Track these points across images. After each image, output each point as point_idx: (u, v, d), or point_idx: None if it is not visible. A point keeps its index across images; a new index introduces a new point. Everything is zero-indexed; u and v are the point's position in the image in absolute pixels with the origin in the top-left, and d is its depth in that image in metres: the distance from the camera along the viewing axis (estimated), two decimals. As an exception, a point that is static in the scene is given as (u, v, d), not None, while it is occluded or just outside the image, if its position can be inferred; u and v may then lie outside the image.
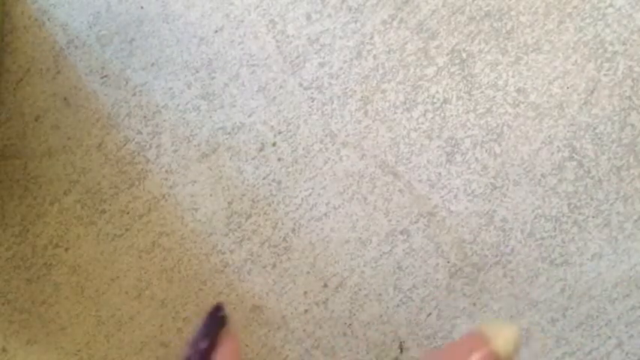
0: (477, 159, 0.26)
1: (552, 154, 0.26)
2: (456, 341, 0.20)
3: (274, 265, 0.27)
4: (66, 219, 0.28)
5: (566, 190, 0.26)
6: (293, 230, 0.27)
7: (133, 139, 0.27)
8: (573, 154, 0.26)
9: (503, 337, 0.19)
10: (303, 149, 0.27)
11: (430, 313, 0.27)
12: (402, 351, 0.27)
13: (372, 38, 0.26)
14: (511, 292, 0.27)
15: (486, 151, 0.26)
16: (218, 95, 0.27)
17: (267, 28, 0.27)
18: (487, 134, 0.26)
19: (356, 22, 0.26)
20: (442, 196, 0.27)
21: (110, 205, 0.28)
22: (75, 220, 0.28)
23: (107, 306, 0.28)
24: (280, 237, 0.27)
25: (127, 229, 0.28)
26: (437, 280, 0.25)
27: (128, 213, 0.28)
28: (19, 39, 0.27)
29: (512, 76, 0.26)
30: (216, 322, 0.19)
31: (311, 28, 0.27)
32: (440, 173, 0.26)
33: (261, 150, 0.27)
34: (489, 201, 0.27)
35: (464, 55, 0.26)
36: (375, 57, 0.26)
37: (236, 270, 0.27)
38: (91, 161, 0.27)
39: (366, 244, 0.27)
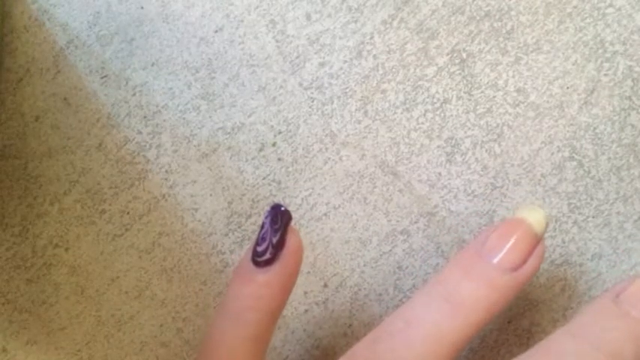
0: (476, 159, 0.26)
1: (552, 154, 0.26)
2: (491, 227, 0.22)
3: (274, 265, 0.27)
4: (66, 219, 0.28)
5: (566, 190, 0.26)
6: (293, 230, 0.27)
7: (133, 139, 0.27)
8: (573, 154, 0.26)
9: (534, 215, 0.21)
10: (303, 149, 0.27)
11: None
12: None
13: (372, 38, 0.26)
14: (511, 292, 0.26)
15: (486, 151, 0.26)
16: (218, 95, 0.27)
17: (267, 28, 0.27)
18: (487, 134, 0.26)
19: (356, 22, 0.26)
20: (442, 196, 0.26)
21: (110, 205, 0.28)
22: (75, 220, 0.28)
23: (107, 306, 0.28)
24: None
25: (127, 229, 0.28)
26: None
27: (128, 213, 0.28)
28: (19, 39, 0.27)
29: (512, 76, 0.26)
30: (283, 215, 0.21)
31: (311, 28, 0.27)
32: (440, 173, 0.26)
33: (261, 150, 0.27)
34: (489, 201, 0.27)
35: (464, 55, 0.26)
36: (375, 57, 0.26)
37: (236, 270, 0.27)
38: (91, 161, 0.27)
39: (366, 244, 0.27)
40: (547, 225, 0.21)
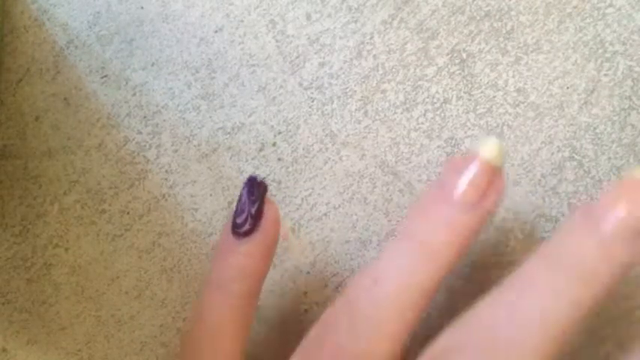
0: (477, 159, 0.26)
1: (552, 154, 0.26)
2: (445, 166, 0.21)
3: (274, 265, 0.27)
4: (66, 219, 0.28)
5: (566, 190, 0.26)
6: (293, 230, 0.27)
7: (133, 139, 0.27)
8: (573, 154, 0.26)
9: (488, 147, 0.20)
10: (303, 149, 0.27)
11: (430, 314, 0.27)
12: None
13: (372, 38, 0.26)
14: (511, 292, 0.26)
15: (486, 151, 0.26)
16: (218, 95, 0.27)
17: (267, 28, 0.27)
18: (487, 134, 0.26)
19: (356, 22, 0.26)
20: (442, 196, 0.26)
21: (110, 205, 0.28)
22: (75, 220, 0.28)
23: (107, 306, 0.28)
24: (280, 237, 0.27)
25: (126, 229, 0.28)
26: (437, 280, 0.25)
27: (128, 213, 0.28)
28: (19, 39, 0.27)
29: (512, 76, 0.26)
30: (259, 187, 0.22)
31: (311, 28, 0.27)
32: (440, 173, 0.26)
33: (261, 150, 0.27)
34: (489, 201, 0.27)
35: (464, 55, 0.26)
36: (375, 57, 0.26)
37: (236, 270, 0.27)
38: (91, 161, 0.27)
39: (366, 244, 0.27)
40: (503, 155, 0.20)
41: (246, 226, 0.22)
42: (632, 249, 0.19)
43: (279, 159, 0.27)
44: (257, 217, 0.22)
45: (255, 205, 0.22)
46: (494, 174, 0.20)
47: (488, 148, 0.20)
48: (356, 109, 0.27)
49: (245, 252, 0.22)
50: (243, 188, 0.22)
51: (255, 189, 0.22)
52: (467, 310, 0.21)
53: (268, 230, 0.22)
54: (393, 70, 0.26)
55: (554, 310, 0.19)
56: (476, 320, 0.20)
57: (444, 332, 0.21)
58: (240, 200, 0.22)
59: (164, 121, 0.27)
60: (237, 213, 0.22)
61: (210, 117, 0.27)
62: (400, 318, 0.20)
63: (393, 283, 0.20)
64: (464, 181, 0.20)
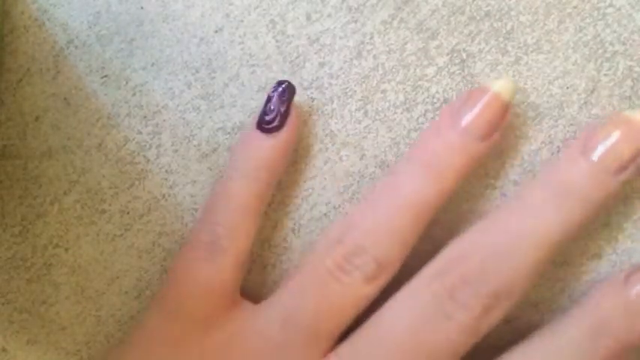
0: (476, 159, 0.26)
1: (552, 154, 0.26)
2: (461, 96, 0.25)
3: (274, 265, 0.27)
4: (66, 219, 0.28)
5: (566, 190, 0.26)
6: (293, 230, 0.27)
7: (133, 139, 0.27)
8: (573, 154, 0.26)
9: (499, 81, 0.23)
10: (303, 149, 0.27)
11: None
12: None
13: (372, 38, 0.26)
14: (511, 292, 0.26)
15: (486, 151, 0.26)
16: (218, 95, 0.27)
17: (267, 28, 0.27)
18: (487, 134, 0.26)
19: (356, 22, 0.26)
20: (442, 196, 0.26)
21: (110, 205, 0.28)
22: (75, 220, 0.28)
23: (107, 306, 0.28)
24: (280, 237, 0.27)
25: (126, 229, 0.28)
26: (437, 280, 0.25)
27: (128, 213, 0.28)
28: (19, 39, 0.27)
29: (512, 76, 0.26)
30: (289, 89, 0.25)
31: (311, 28, 0.27)
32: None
33: (261, 150, 0.27)
34: (489, 201, 0.27)
35: (464, 55, 0.26)
36: (375, 57, 0.26)
37: (236, 270, 0.27)
38: (91, 161, 0.27)
39: (366, 244, 0.27)
40: (514, 92, 0.24)
41: (275, 123, 0.24)
42: (619, 178, 0.22)
43: (279, 159, 0.27)
44: (285, 116, 0.25)
45: (285, 105, 0.25)
46: (502, 108, 0.23)
47: (501, 84, 0.23)
48: (356, 109, 0.27)
49: (272, 146, 0.25)
50: (273, 90, 0.25)
51: (286, 90, 0.25)
52: (469, 228, 0.24)
53: (293, 128, 0.25)
54: (393, 70, 0.26)
55: (547, 225, 0.22)
56: (478, 235, 0.23)
57: (447, 246, 0.24)
58: (269, 100, 0.25)
59: (164, 121, 0.27)
60: (266, 111, 0.25)
61: (210, 117, 0.27)
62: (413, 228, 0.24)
63: (404, 199, 0.24)
64: (474, 112, 0.23)
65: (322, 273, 0.24)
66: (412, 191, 0.24)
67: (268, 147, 0.25)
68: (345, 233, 0.24)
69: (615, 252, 0.26)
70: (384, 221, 0.24)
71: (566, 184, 0.23)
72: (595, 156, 0.23)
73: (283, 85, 0.25)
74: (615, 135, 0.23)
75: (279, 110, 0.25)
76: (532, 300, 0.26)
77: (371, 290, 0.24)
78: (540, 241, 0.23)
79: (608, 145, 0.23)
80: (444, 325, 0.22)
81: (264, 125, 0.25)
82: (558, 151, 0.26)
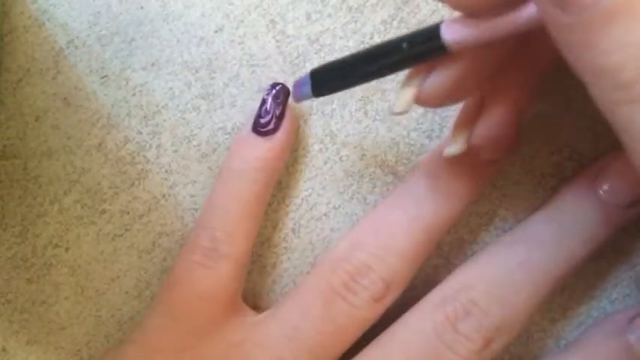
0: (477, 159, 0.26)
1: (552, 154, 0.26)
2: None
3: (274, 265, 0.27)
4: (66, 219, 0.28)
5: (566, 190, 0.26)
6: (293, 230, 0.27)
7: (133, 139, 0.27)
8: (573, 154, 0.26)
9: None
10: (303, 149, 0.27)
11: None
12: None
13: (372, 38, 0.26)
14: (511, 292, 0.26)
15: (486, 151, 0.26)
16: (218, 95, 0.27)
17: (267, 28, 0.27)
18: (487, 134, 0.26)
19: (356, 22, 0.26)
20: (442, 196, 0.26)
21: (110, 205, 0.28)
22: (75, 220, 0.28)
23: (107, 306, 0.28)
24: (280, 237, 0.27)
25: (127, 229, 0.28)
26: (437, 280, 0.25)
27: (128, 213, 0.28)
28: (19, 39, 0.27)
29: (512, 76, 0.26)
30: (283, 91, 0.25)
31: (311, 28, 0.27)
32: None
33: (261, 150, 0.27)
34: (489, 201, 0.27)
35: (464, 55, 0.26)
36: (375, 57, 0.26)
37: (236, 270, 0.27)
38: (91, 161, 0.27)
39: (366, 244, 0.27)
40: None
41: (271, 126, 0.24)
42: (627, 213, 0.22)
43: (279, 159, 0.27)
44: (280, 118, 0.25)
45: (280, 108, 0.25)
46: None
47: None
48: (356, 109, 0.27)
49: (268, 148, 0.25)
50: (267, 93, 0.25)
51: (281, 92, 0.25)
52: (474, 257, 0.24)
53: (289, 130, 0.25)
54: (393, 70, 0.26)
55: (551, 261, 0.22)
56: (482, 266, 0.23)
57: (451, 275, 0.24)
58: (264, 103, 0.25)
59: (164, 121, 0.27)
60: (261, 114, 0.25)
61: (210, 117, 0.27)
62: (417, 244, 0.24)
63: (418, 222, 0.24)
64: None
65: (328, 291, 0.23)
66: (424, 212, 0.23)
67: (265, 149, 0.24)
68: (352, 252, 0.24)
69: (615, 252, 0.26)
70: (392, 241, 0.23)
71: (572, 220, 0.23)
72: (603, 191, 0.22)
73: (277, 88, 0.25)
74: (625, 170, 0.22)
75: (274, 113, 0.25)
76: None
77: (377, 310, 0.23)
78: (544, 277, 0.23)
79: (617, 180, 0.22)
80: (445, 357, 0.22)
81: (260, 128, 0.25)
82: (559, 151, 0.26)
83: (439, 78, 0.20)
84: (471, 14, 0.17)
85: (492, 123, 0.21)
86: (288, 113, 0.25)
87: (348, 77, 0.22)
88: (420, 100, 0.20)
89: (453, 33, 0.18)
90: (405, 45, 0.20)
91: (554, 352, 0.26)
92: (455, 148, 0.22)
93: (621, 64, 0.13)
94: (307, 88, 0.23)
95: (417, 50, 0.19)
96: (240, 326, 0.25)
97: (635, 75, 0.13)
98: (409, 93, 0.20)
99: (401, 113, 0.21)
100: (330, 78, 0.22)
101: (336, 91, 0.23)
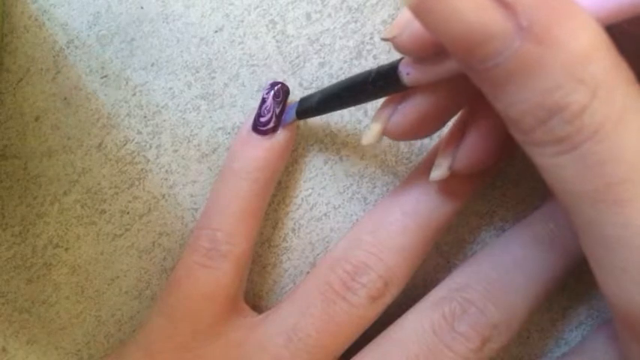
0: (476, 159, 0.26)
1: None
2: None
3: (274, 265, 0.27)
4: (66, 219, 0.28)
5: (566, 190, 0.26)
6: (293, 230, 0.27)
7: (133, 139, 0.27)
8: (573, 154, 0.26)
9: None
10: (303, 149, 0.27)
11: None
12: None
13: (372, 38, 0.26)
14: (511, 292, 0.26)
15: (486, 151, 0.26)
16: (218, 95, 0.27)
17: (267, 28, 0.27)
18: (487, 134, 0.26)
19: (356, 22, 0.26)
20: (442, 196, 0.26)
21: (110, 205, 0.28)
22: (75, 220, 0.28)
23: (107, 306, 0.28)
24: (280, 237, 0.27)
25: (127, 229, 0.28)
26: (437, 280, 0.25)
27: (128, 213, 0.28)
28: (19, 39, 0.27)
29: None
30: (283, 90, 0.25)
31: (311, 28, 0.27)
32: None
33: (261, 150, 0.27)
34: (489, 201, 0.27)
35: (464, 55, 0.26)
36: (375, 57, 0.26)
37: (236, 270, 0.27)
38: (91, 161, 0.27)
39: (366, 244, 0.27)
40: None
41: (271, 124, 0.25)
42: None
43: (279, 159, 0.27)
44: (280, 117, 0.25)
45: (280, 106, 0.25)
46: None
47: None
48: (356, 109, 0.27)
49: (269, 146, 0.25)
50: (267, 92, 0.25)
51: (280, 91, 0.25)
52: (472, 257, 0.24)
53: (290, 128, 0.25)
54: (393, 70, 0.26)
55: (550, 262, 0.23)
56: (481, 265, 0.24)
57: (450, 275, 0.24)
58: (263, 102, 0.25)
59: (164, 121, 0.27)
60: (261, 113, 0.25)
61: (210, 117, 0.27)
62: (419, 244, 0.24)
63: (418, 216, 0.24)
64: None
65: (327, 291, 0.24)
66: (422, 210, 0.24)
67: (265, 148, 0.25)
68: (350, 251, 0.24)
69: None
70: (390, 239, 0.24)
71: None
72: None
73: (277, 87, 0.25)
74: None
75: (274, 112, 0.25)
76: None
77: (376, 309, 0.24)
78: (543, 277, 0.23)
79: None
80: (444, 356, 0.22)
81: (260, 127, 0.25)
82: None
83: (402, 114, 0.21)
84: (420, 58, 0.19)
85: (471, 150, 0.21)
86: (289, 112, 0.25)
87: (326, 105, 0.23)
88: (387, 134, 0.22)
89: (408, 70, 0.19)
90: (370, 79, 0.21)
91: (556, 357, 0.26)
92: (439, 173, 0.22)
93: (521, 114, 0.16)
94: (293, 112, 0.24)
95: (380, 84, 0.20)
96: (241, 326, 0.25)
97: (534, 123, 0.15)
98: (377, 127, 0.22)
99: (370, 145, 0.22)
100: (311, 105, 0.24)
101: (317, 115, 0.24)
